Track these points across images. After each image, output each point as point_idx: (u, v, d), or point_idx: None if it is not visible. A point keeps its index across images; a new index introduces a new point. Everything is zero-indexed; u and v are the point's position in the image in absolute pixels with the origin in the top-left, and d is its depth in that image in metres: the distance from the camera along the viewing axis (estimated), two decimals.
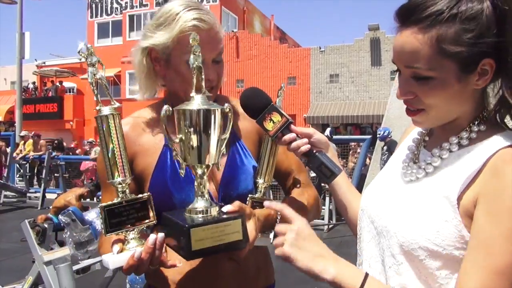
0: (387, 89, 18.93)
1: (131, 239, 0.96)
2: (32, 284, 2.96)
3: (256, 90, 1.09)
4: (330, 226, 7.03)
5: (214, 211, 0.97)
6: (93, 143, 12.30)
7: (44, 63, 26.78)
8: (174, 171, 1.11)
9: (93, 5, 25.28)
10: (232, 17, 24.36)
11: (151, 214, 0.98)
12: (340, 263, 0.83)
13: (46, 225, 3.27)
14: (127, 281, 2.77)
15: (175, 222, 0.95)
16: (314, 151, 1.04)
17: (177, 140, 0.96)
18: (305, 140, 1.04)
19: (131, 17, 23.91)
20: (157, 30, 1.10)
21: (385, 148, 7.43)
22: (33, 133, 12.11)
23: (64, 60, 26.66)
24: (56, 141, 13.17)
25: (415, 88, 0.81)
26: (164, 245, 0.97)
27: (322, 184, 7.46)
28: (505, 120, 0.83)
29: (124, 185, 0.95)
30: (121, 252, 0.94)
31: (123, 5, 24.57)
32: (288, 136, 1.04)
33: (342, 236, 6.43)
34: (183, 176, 1.00)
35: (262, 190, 1.16)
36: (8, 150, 11.11)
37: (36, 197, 9.48)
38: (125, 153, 0.95)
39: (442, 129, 0.88)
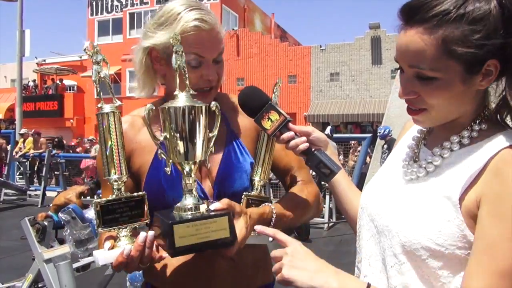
0: (387, 88, 18.93)
1: (123, 236, 0.96)
2: (32, 282, 2.96)
3: (254, 89, 1.09)
4: (330, 224, 7.03)
5: (202, 208, 0.97)
6: (94, 141, 12.30)
7: (45, 60, 26.77)
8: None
9: (94, 3, 25.25)
10: (232, 15, 24.33)
11: (145, 213, 0.98)
12: (341, 275, 0.83)
13: (46, 223, 3.27)
14: (127, 278, 2.77)
15: (162, 219, 0.96)
16: (313, 150, 1.04)
17: (162, 139, 0.97)
18: (304, 138, 1.04)
19: (132, 15, 23.88)
20: (158, 29, 1.10)
21: (385, 146, 7.42)
22: (33, 131, 12.11)
23: (65, 58, 26.66)
24: (56, 139, 13.18)
25: (418, 88, 0.81)
26: (156, 244, 0.97)
27: (323, 182, 7.46)
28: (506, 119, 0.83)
29: (120, 182, 0.96)
30: (112, 249, 0.95)
31: (124, 3, 24.53)
32: (286, 135, 1.03)
33: (342, 234, 6.43)
34: (168, 174, 1.00)
35: (259, 188, 1.16)
36: (9, 148, 11.12)
37: (36, 195, 9.48)
38: (122, 151, 0.96)
39: (442, 127, 0.87)
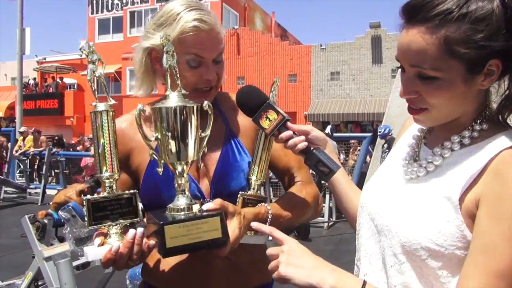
0: (388, 87, 18.91)
1: (113, 233, 0.97)
2: (32, 279, 2.96)
3: (252, 88, 1.08)
4: (330, 223, 7.04)
5: (195, 208, 0.97)
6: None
7: (45, 59, 26.75)
8: (164, 168, 1.11)
9: (94, 1, 25.22)
10: (233, 14, 24.31)
11: (135, 211, 0.99)
12: (337, 272, 0.83)
13: (46, 221, 3.27)
14: (127, 277, 2.78)
15: (154, 220, 0.97)
16: (312, 148, 1.03)
17: (153, 139, 0.97)
18: (302, 137, 1.03)
19: (132, 14, 23.85)
20: (157, 30, 1.10)
21: (385, 146, 7.42)
22: (33, 129, 12.11)
23: (65, 56, 26.63)
24: (56, 137, 13.17)
25: (419, 87, 0.80)
26: (146, 241, 0.97)
27: (323, 182, 7.46)
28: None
29: (111, 180, 0.97)
30: (102, 246, 0.96)
31: (124, 1, 24.50)
32: (284, 134, 1.03)
33: (342, 233, 6.44)
34: (160, 174, 1.01)
35: (256, 187, 1.15)
36: (9, 146, 11.12)
37: (36, 193, 9.49)
38: (115, 150, 0.97)
39: (443, 127, 0.87)
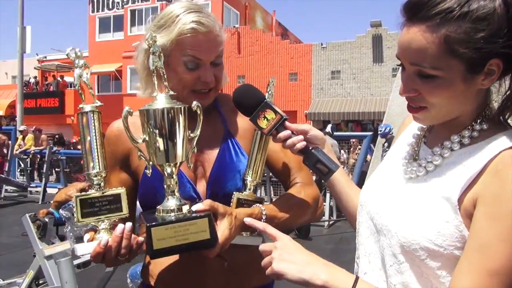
0: (388, 86, 18.89)
1: (102, 229, 0.99)
2: (33, 278, 2.97)
3: (249, 87, 1.07)
4: (331, 222, 7.04)
5: (184, 209, 0.97)
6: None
7: (46, 57, 26.75)
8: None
9: (95, 0, 25.20)
10: (233, 13, 24.28)
11: (124, 207, 1.00)
12: (330, 268, 0.83)
13: (47, 220, 3.28)
14: (127, 275, 2.78)
15: (143, 221, 0.98)
16: (310, 148, 1.02)
17: (140, 141, 0.97)
18: (301, 137, 1.02)
19: (133, 12, 23.83)
20: (158, 32, 1.12)
21: (386, 144, 7.42)
22: (34, 127, 12.11)
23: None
24: (57, 136, 13.17)
25: (419, 85, 0.80)
26: (135, 237, 0.99)
27: (323, 181, 7.45)
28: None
29: (99, 177, 0.99)
30: (92, 241, 0.98)
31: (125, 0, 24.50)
32: (283, 134, 1.02)
33: (342, 232, 6.44)
34: (149, 176, 1.02)
35: (252, 188, 1.14)
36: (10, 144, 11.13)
37: (37, 191, 9.50)
38: (102, 148, 1.00)
39: (443, 126, 0.87)
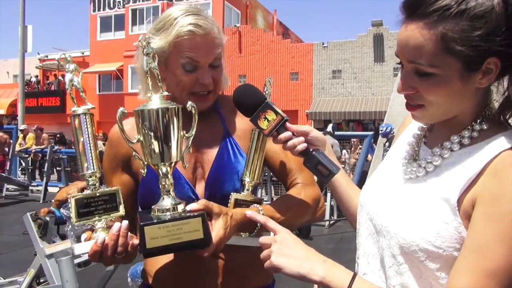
0: (389, 86, 18.88)
1: (99, 228, 1.00)
2: (34, 276, 2.97)
3: (249, 87, 1.06)
4: (331, 222, 7.04)
5: (179, 209, 0.97)
6: (96, 137, 12.30)
7: (47, 56, 26.76)
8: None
9: None
10: (235, 12, 24.26)
11: (119, 206, 1.02)
12: (328, 264, 0.83)
13: (48, 218, 3.28)
14: (128, 274, 2.78)
15: (138, 220, 0.98)
16: (311, 150, 1.01)
17: (135, 141, 0.98)
18: (301, 138, 1.01)
19: (134, 11, 23.83)
20: (157, 34, 1.13)
21: (387, 144, 7.41)
22: (35, 126, 12.13)
23: (67, 54, 26.59)
24: (58, 135, 13.19)
25: (416, 83, 0.80)
26: (131, 235, 0.99)
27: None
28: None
29: (94, 178, 1.00)
30: (89, 240, 0.99)
31: None
32: (283, 135, 1.01)
33: (343, 232, 6.44)
34: (144, 176, 1.02)
35: (250, 189, 1.14)
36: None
37: (38, 190, 9.52)
38: (95, 149, 1.01)
39: (443, 126, 0.86)
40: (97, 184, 1.01)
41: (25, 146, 11.22)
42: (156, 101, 0.96)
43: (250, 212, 1.01)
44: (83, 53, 25.36)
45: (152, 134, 0.95)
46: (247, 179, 1.14)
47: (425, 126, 0.94)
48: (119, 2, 24.43)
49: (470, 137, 0.82)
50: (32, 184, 10.01)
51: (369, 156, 8.54)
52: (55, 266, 2.74)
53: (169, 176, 0.99)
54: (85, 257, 2.90)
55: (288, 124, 1.02)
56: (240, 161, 1.18)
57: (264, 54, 22.36)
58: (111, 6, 24.70)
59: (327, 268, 0.82)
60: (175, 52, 1.11)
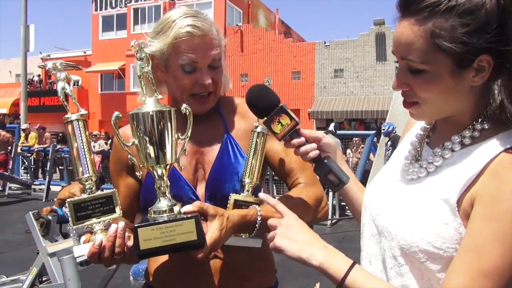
0: (391, 85, 18.80)
1: (98, 230, 1.02)
2: (37, 275, 2.99)
3: (264, 89, 1.04)
4: (333, 221, 7.04)
5: (175, 211, 0.98)
6: (98, 136, 12.34)
7: (49, 56, 26.81)
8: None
9: None
10: (236, 11, 24.24)
11: (116, 208, 1.03)
12: (329, 250, 0.84)
13: (50, 217, 3.29)
14: (130, 273, 2.79)
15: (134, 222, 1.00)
16: (323, 158, 0.99)
17: (130, 144, 0.99)
18: (314, 145, 0.99)
19: (136, 10, 23.83)
20: (156, 37, 1.14)
21: (389, 143, 7.40)
22: (38, 125, 12.15)
23: (69, 53, 26.70)
24: (60, 134, 13.22)
25: (410, 80, 0.80)
26: (129, 236, 1.00)
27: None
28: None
29: (90, 181, 1.02)
30: (88, 242, 1.01)
31: None
32: (297, 141, 0.99)
33: (345, 231, 6.44)
34: (140, 177, 1.03)
35: (250, 189, 1.13)
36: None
37: (40, 189, 9.54)
38: (89, 154, 1.03)
39: (445, 125, 0.86)
40: (93, 188, 1.03)
41: (27, 144, 11.23)
42: (150, 105, 0.97)
43: (263, 195, 1.02)
44: (85, 52, 25.42)
45: (146, 137, 0.96)
46: (246, 180, 1.13)
47: (428, 126, 0.93)
48: (121, 1, 24.44)
49: (471, 136, 0.81)
50: (34, 183, 10.04)
51: (371, 156, 8.53)
52: (57, 265, 2.75)
53: (165, 178, 1.00)
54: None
55: (302, 129, 1.00)
56: (241, 162, 1.17)
57: (266, 53, 22.34)
58: (113, 5, 24.72)
59: (327, 254, 0.83)
60: (174, 54, 1.12)
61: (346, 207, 8.34)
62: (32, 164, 11.31)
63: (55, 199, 4.82)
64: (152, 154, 0.97)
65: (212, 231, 0.98)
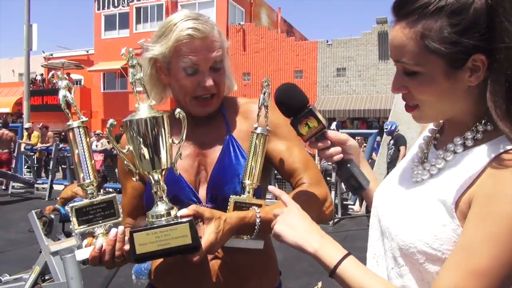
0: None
1: (100, 234, 1.04)
2: (39, 274, 2.99)
3: (294, 89, 1.02)
4: (336, 220, 7.03)
5: (172, 215, 0.99)
6: (100, 135, 12.36)
7: (52, 55, 26.88)
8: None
9: None
10: (239, 10, 24.23)
11: (117, 212, 1.06)
12: (325, 239, 0.84)
13: (53, 216, 3.30)
14: (132, 272, 2.80)
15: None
16: (346, 161, 0.98)
17: (125, 151, 1.00)
18: (339, 149, 0.98)
19: (138, 9, 23.85)
20: (158, 41, 1.16)
21: (391, 142, 7.39)
22: (41, 124, 12.19)
23: (72, 52, 26.75)
24: (63, 133, 13.25)
25: (407, 82, 0.80)
26: (127, 237, 1.01)
27: (328, 178, 7.44)
28: None
29: (91, 187, 1.05)
30: (89, 246, 1.04)
31: None
32: (323, 143, 0.98)
33: (347, 230, 6.44)
34: (135, 181, 1.05)
35: (250, 191, 1.13)
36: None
37: (43, 188, 9.58)
38: (90, 160, 1.05)
39: (450, 127, 0.85)
40: (95, 193, 1.05)
41: (30, 143, 11.27)
42: (144, 111, 0.98)
43: (272, 187, 1.04)
44: (87, 52, 25.45)
45: (141, 142, 0.97)
46: (247, 182, 1.12)
47: (435, 128, 0.93)
48: (123, 0, 24.47)
49: (474, 138, 0.80)
50: (37, 182, 10.08)
51: (374, 155, 8.52)
52: (60, 264, 2.76)
53: (161, 183, 1.00)
54: None
55: (328, 132, 0.99)
56: (242, 163, 1.17)
57: (268, 52, 22.33)
58: (115, 4, 24.74)
59: (323, 243, 0.83)
60: (175, 57, 1.13)
61: (349, 206, 8.34)
62: (35, 163, 11.34)
63: (58, 198, 4.84)
64: (147, 159, 0.98)
65: (208, 234, 0.98)
